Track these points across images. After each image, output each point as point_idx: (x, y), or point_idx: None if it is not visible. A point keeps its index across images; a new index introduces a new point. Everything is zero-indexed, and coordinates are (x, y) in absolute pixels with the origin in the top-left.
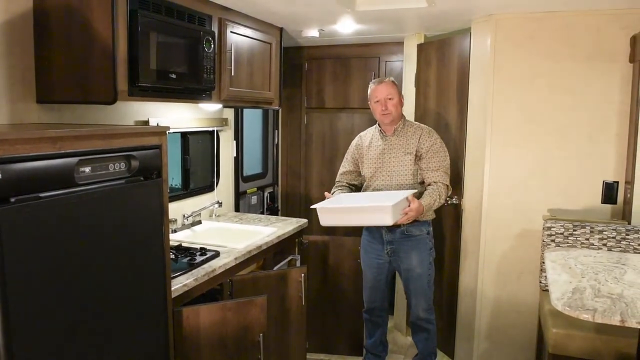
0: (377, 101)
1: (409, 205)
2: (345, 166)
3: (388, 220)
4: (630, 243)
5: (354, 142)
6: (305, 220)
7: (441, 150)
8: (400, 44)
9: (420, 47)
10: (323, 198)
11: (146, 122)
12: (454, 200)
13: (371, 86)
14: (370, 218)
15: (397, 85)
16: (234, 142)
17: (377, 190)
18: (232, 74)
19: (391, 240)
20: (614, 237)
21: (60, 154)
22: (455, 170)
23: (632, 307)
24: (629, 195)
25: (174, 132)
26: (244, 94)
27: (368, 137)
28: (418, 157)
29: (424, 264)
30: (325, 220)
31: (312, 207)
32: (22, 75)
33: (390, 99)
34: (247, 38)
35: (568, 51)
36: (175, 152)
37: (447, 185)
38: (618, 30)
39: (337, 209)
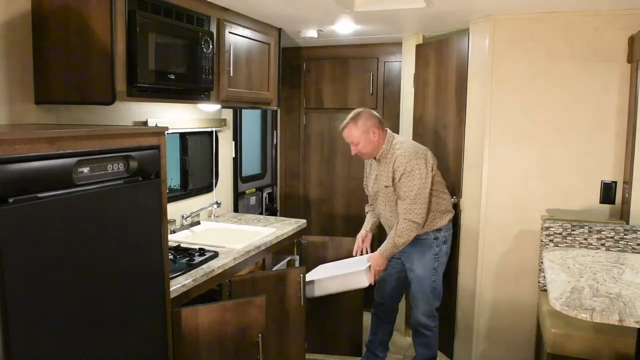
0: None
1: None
2: (365, 183)
3: (364, 282)
4: (629, 243)
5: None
6: (304, 221)
7: (408, 179)
8: (398, 44)
9: (418, 48)
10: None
11: (145, 123)
12: (453, 201)
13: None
14: (348, 283)
15: (362, 122)
16: (233, 142)
17: (379, 213)
18: (231, 74)
19: None
20: (612, 237)
21: (58, 155)
22: (454, 171)
23: (630, 307)
24: (627, 195)
25: (172, 133)
26: (242, 95)
27: None
28: (394, 187)
29: (426, 267)
30: (313, 291)
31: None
32: (20, 76)
33: (355, 144)
34: (245, 39)
35: (566, 51)
36: (174, 153)
37: (410, 220)
38: (616, 31)
39: (319, 280)
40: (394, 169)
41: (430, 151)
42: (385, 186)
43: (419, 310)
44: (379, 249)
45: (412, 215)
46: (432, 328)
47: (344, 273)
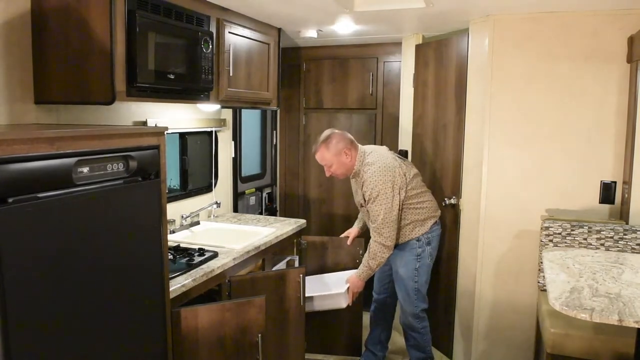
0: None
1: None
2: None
3: (342, 304)
4: (628, 243)
5: None
6: (303, 221)
7: (374, 204)
8: (398, 44)
9: (418, 48)
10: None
11: (144, 123)
12: (452, 201)
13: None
14: (327, 304)
15: (333, 144)
16: (233, 142)
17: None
18: (231, 74)
19: None
20: (611, 237)
21: (58, 155)
22: (453, 171)
23: (629, 307)
24: (626, 195)
25: (172, 133)
26: (242, 95)
27: None
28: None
29: (407, 267)
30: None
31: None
32: (20, 76)
33: (328, 166)
34: (245, 39)
35: (566, 51)
36: (174, 153)
37: (380, 243)
38: (615, 31)
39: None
40: (362, 191)
41: (401, 167)
42: (361, 205)
43: (404, 312)
44: (356, 271)
45: (381, 238)
46: (419, 330)
47: (323, 294)
